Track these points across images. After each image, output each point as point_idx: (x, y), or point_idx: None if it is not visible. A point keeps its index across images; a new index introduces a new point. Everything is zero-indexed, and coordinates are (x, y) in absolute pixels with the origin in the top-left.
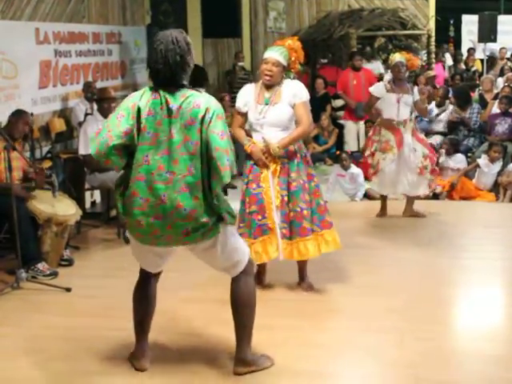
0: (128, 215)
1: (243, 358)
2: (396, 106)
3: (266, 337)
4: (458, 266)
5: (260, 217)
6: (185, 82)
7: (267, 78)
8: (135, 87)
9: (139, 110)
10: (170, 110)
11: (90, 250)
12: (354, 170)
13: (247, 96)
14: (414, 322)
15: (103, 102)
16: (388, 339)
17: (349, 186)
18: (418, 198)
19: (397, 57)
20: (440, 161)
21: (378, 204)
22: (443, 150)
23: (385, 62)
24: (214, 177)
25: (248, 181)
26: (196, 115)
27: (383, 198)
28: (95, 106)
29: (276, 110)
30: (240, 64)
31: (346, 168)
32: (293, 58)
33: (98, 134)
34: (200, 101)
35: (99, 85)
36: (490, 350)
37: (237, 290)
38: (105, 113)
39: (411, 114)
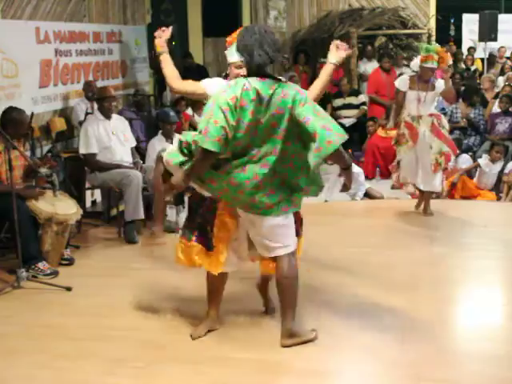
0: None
1: (288, 329)
2: (415, 103)
3: (266, 336)
4: (459, 265)
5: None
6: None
7: None
8: (136, 86)
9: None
10: (261, 101)
11: (90, 250)
12: (355, 169)
13: None
14: (415, 321)
15: (103, 101)
16: (388, 339)
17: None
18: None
19: (430, 61)
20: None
21: (378, 203)
22: None
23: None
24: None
25: None
26: (285, 105)
27: (419, 192)
28: (96, 106)
29: None
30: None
31: None
32: None
33: (208, 132)
34: (287, 92)
35: (100, 84)
36: (491, 349)
37: (282, 266)
38: (105, 112)
39: (434, 108)
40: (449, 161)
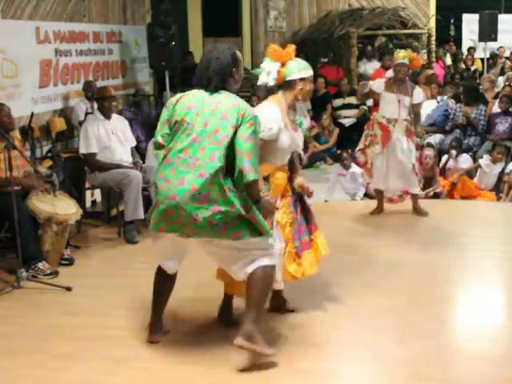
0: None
1: (246, 332)
2: (397, 105)
3: (266, 336)
4: (459, 265)
5: None
6: (228, 87)
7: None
8: (136, 86)
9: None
10: (209, 104)
11: (90, 250)
12: (355, 169)
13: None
14: (415, 321)
15: (103, 101)
16: (389, 338)
17: (349, 185)
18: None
19: (400, 57)
20: (450, 162)
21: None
22: (454, 152)
23: (380, 59)
24: (236, 174)
25: None
26: (234, 112)
27: (378, 195)
28: (95, 105)
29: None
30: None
31: (346, 167)
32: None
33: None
34: (239, 102)
35: (100, 84)
36: (491, 349)
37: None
38: (105, 112)
39: (408, 114)
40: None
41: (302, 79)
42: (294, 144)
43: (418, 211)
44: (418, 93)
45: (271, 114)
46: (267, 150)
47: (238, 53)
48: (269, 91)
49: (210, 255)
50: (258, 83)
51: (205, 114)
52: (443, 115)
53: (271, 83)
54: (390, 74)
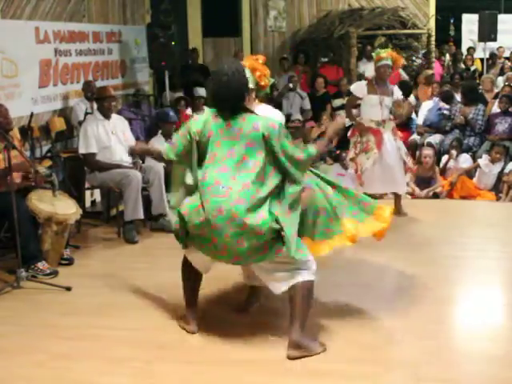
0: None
1: (294, 342)
2: (378, 107)
3: (266, 335)
4: (459, 265)
5: None
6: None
7: None
8: (135, 86)
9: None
10: (230, 132)
11: (90, 249)
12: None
13: None
14: (415, 321)
15: (103, 101)
16: (388, 338)
17: (349, 185)
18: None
19: (383, 58)
20: (451, 163)
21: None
22: (454, 153)
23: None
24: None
25: None
26: (257, 138)
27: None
28: (95, 105)
29: None
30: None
31: (346, 167)
32: (258, 73)
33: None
34: (258, 123)
35: (99, 84)
36: (491, 349)
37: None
38: (104, 112)
39: (390, 113)
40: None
41: None
42: None
43: (399, 211)
44: (397, 90)
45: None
46: None
47: (244, 68)
48: None
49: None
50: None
51: (226, 143)
52: (437, 115)
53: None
54: (369, 73)
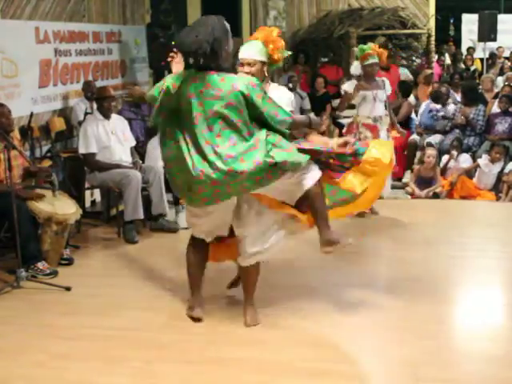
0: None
1: (327, 239)
2: (372, 103)
3: (269, 336)
4: (459, 265)
5: None
6: (223, 66)
7: None
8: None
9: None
10: (209, 93)
11: (89, 249)
12: None
13: None
14: (415, 321)
15: (103, 101)
16: (388, 338)
17: None
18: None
19: (370, 57)
20: (451, 162)
21: (377, 203)
22: (455, 153)
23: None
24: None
25: None
26: (237, 98)
27: None
28: (95, 105)
29: None
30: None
31: None
32: (271, 46)
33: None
34: (237, 83)
35: (99, 84)
36: (491, 349)
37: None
38: (104, 112)
39: (386, 108)
40: None
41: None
42: None
43: (372, 210)
44: (387, 83)
45: None
46: None
47: (227, 24)
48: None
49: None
50: None
51: (208, 104)
52: (428, 117)
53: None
54: (356, 71)
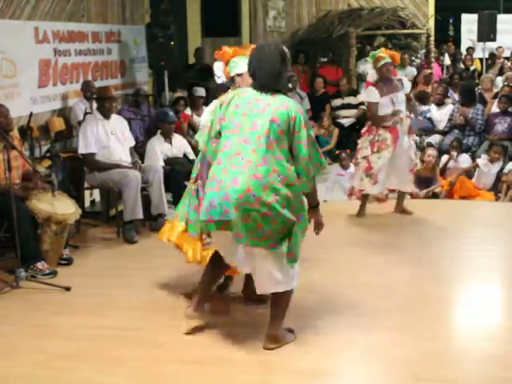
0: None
1: (274, 334)
2: (391, 107)
3: (265, 336)
4: (458, 265)
5: None
6: (280, 89)
7: None
8: (135, 86)
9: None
10: (258, 105)
11: (89, 249)
12: (353, 169)
13: None
14: (414, 321)
15: (104, 101)
16: (388, 338)
17: (348, 185)
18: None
19: (383, 58)
20: (450, 163)
21: (376, 203)
22: (454, 153)
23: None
24: (300, 179)
25: None
26: (283, 116)
27: (364, 199)
28: (94, 105)
29: None
30: None
31: (345, 167)
32: None
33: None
34: (289, 104)
35: (98, 84)
36: (490, 349)
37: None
38: (104, 112)
39: (406, 109)
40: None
41: (238, 75)
42: None
43: (403, 210)
44: (406, 82)
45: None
46: None
47: (286, 49)
48: (226, 89)
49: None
50: (218, 82)
51: (252, 115)
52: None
53: (220, 81)
54: (372, 78)
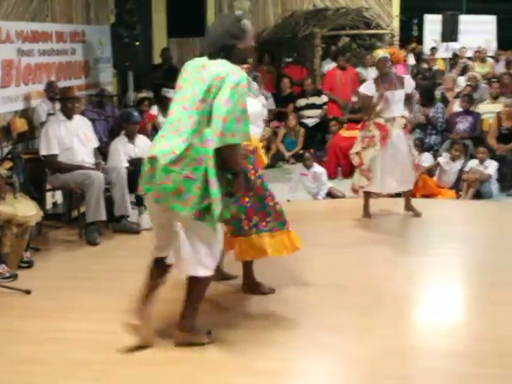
0: None
1: (185, 325)
2: (386, 103)
3: (229, 336)
4: (419, 263)
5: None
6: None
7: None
8: (98, 86)
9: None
10: (201, 73)
11: (51, 252)
12: (317, 168)
13: None
14: (374, 319)
15: (67, 102)
16: (349, 337)
17: (311, 184)
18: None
19: (380, 53)
20: None
21: (340, 202)
22: (416, 152)
23: (348, 61)
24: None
25: (260, 175)
26: (212, 76)
27: (368, 198)
28: (57, 106)
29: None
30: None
31: (308, 167)
32: None
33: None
34: (220, 66)
35: (62, 84)
36: (450, 345)
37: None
38: (67, 112)
39: (406, 108)
40: None
41: None
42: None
43: (411, 209)
44: (409, 81)
45: None
46: None
47: (244, 22)
48: None
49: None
50: None
51: (194, 81)
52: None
53: None
54: (373, 75)
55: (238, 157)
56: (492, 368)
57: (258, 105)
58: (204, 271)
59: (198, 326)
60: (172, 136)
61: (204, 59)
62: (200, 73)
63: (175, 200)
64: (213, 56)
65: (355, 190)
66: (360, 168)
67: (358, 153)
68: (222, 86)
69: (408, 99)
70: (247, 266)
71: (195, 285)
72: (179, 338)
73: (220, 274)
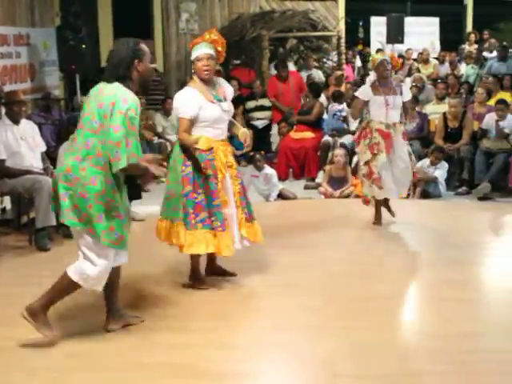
0: None
1: (33, 308)
2: (384, 107)
3: (183, 340)
4: (372, 263)
5: (226, 210)
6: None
7: (206, 72)
8: (45, 90)
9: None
10: (97, 96)
11: (0, 258)
12: (268, 170)
13: (197, 99)
14: (329, 319)
15: (12, 106)
16: (303, 337)
17: (263, 186)
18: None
19: (380, 56)
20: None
21: (291, 204)
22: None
23: (296, 63)
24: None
25: (208, 175)
26: (108, 101)
27: (379, 205)
28: (3, 110)
29: (229, 105)
30: (152, 66)
31: (259, 169)
32: (219, 49)
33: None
34: (113, 91)
35: (7, 88)
36: (402, 343)
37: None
38: (13, 117)
39: (401, 116)
40: None
41: (196, 59)
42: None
43: (389, 208)
44: (407, 88)
45: (185, 95)
46: (198, 126)
47: (141, 45)
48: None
49: None
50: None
51: (93, 106)
52: (335, 120)
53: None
54: (371, 77)
55: (137, 166)
56: (444, 365)
57: (217, 109)
58: (77, 276)
59: (44, 319)
60: (68, 154)
61: (103, 83)
62: (98, 97)
63: (71, 216)
64: (110, 80)
65: (367, 201)
66: (371, 178)
67: (367, 162)
68: (114, 113)
69: (406, 108)
70: (194, 259)
71: (62, 279)
72: (24, 314)
73: (213, 270)
